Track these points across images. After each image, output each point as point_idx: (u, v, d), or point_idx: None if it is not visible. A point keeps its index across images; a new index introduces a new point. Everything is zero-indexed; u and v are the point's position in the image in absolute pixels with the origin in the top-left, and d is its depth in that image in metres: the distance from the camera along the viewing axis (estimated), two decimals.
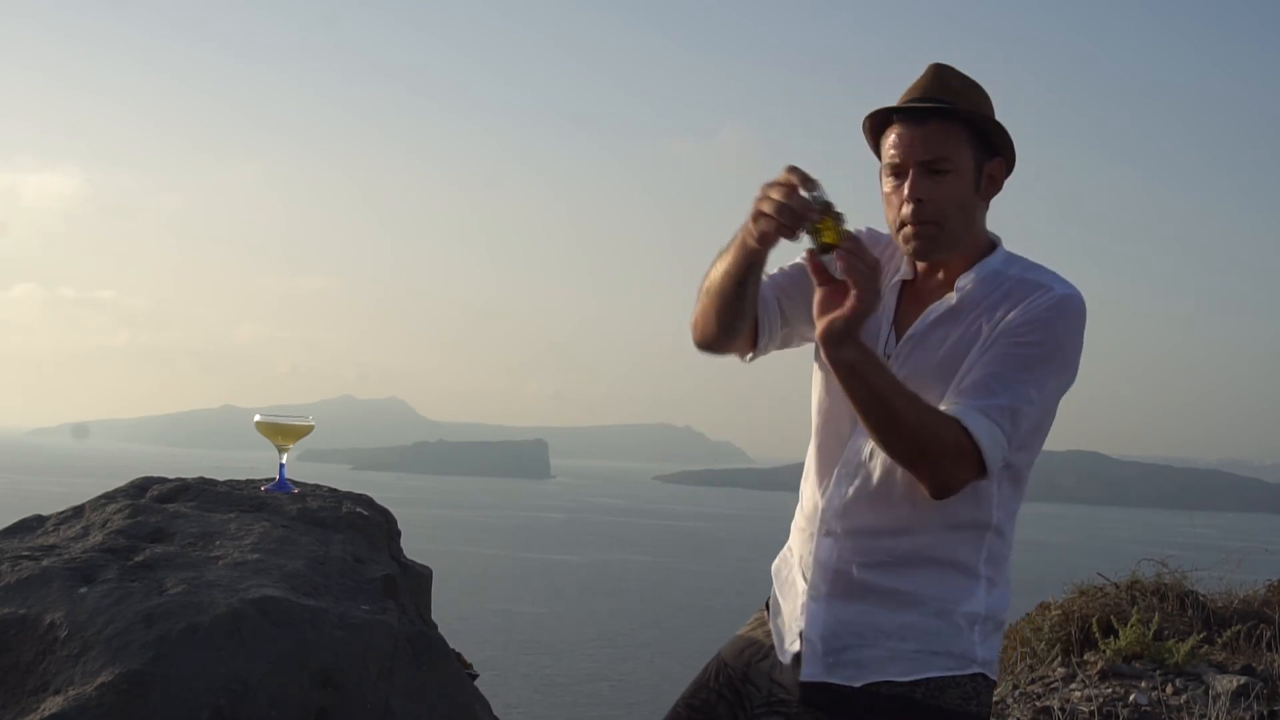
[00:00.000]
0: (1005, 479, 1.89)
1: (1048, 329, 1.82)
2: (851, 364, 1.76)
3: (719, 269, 1.90)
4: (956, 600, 1.88)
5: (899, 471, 1.87)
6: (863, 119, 1.95)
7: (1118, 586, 5.28)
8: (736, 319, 1.93)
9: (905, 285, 1.99)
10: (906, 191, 1.87)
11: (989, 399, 1.79)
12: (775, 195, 1.71)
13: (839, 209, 1.73)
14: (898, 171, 1.89)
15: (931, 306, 1.92)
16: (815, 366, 2.03)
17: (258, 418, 2.50)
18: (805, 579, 1.97)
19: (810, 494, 2.01)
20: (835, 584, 1.93)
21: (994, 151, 1.90)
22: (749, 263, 1.83)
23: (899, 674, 1.86)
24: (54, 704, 1.77)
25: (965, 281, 1.90)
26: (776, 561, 2.13)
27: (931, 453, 1.77)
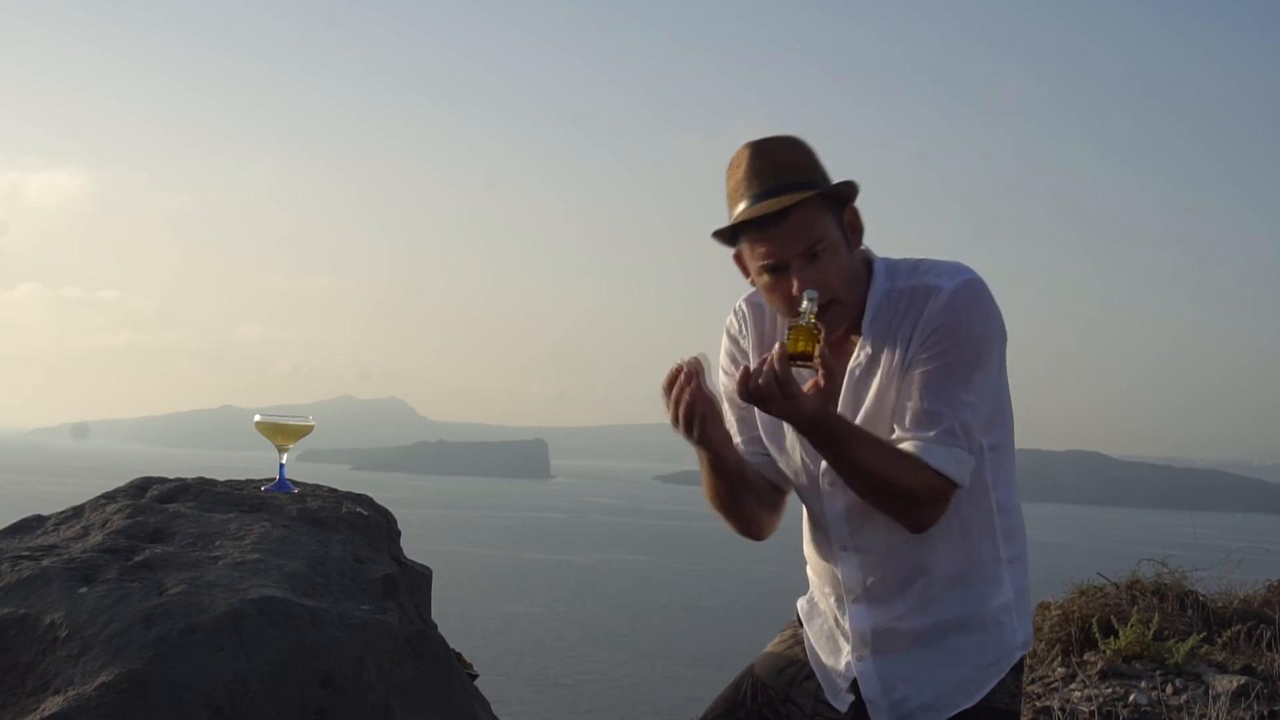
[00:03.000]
0: (989, 458, 1.89)
1: (956, 332, 1.81)
2: (818, 447, 1.81)
3: (707, 485, 1.95)
4: (988, 602, 1.91)
5: (896, 526, 1.87)
6: (711, 237, 1.90)
7: (1118, 586, 5.28)
8: (764, 505, 1.99)
9: None
10: (795, 287, 1.81)
11: (936, 426, 1.79)
12: (675, 407, 1.79)
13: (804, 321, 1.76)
14: (775, 268, 1.84)
15: (850, 365, 1.91)
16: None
17: (258, 418, 2.50)
18: (846, 640, 1.99)
19: (818, 564, 2.03)
20: (877, 643, 1.94)
21: (843, 200, 1.86)
22: (718, 465, 1.89)
23: (964, 702, 1.90)
24: (54, 704, 1.77)
25: (867, 321, 1.88)
26: (805, 605, 2.13)
27: (905, 498, 1.80)
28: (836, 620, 2.01)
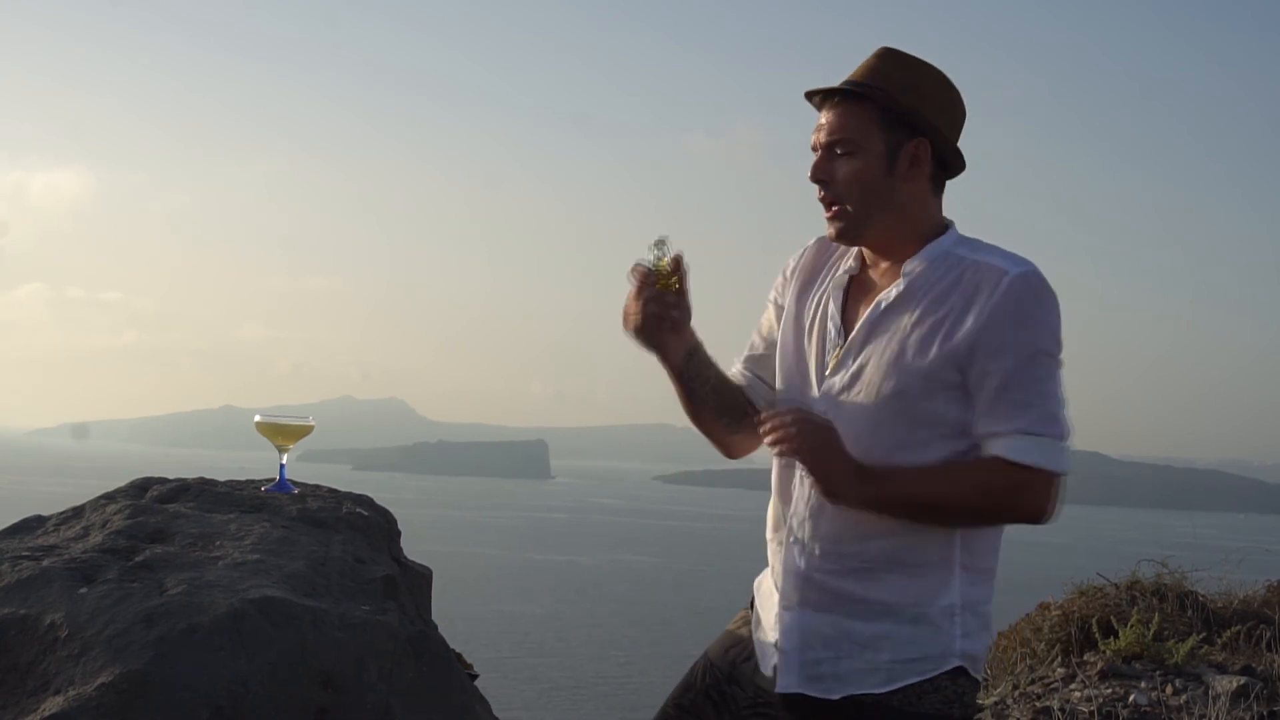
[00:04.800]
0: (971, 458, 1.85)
1: (1025, 320, 1.77)
2: (870, 502, 1.79)
3: (679, 399, 1.99)
4: (931, 599, 1.84)
5: None
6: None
7: (1118, 587, 5.28)
8: (727, 419, 2.02)
9: (853, 280, 1.96)
10: (810, 173, 1.89)
11: (1020, 416, 1.75)
12: (632, 308, 1.87)
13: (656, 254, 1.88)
14: (814, 152, 1.90)
15: (881, 295, 1.88)
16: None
17: (258, 418, 2.51)
18: (778, 588, 1.95)
19: (776, 504, 1.99)
20: (805, 593, 1.89)
21: (915, 131, 1.85)
22: (677, 372, 1.95)
23: (875, 686, 1.83)
24: (54, 704, 1.77)
25: (913, 265, 1.86)
26: (758, 579, 2.09)
27: (989, 511, 1.80)
28: (773, 569, 1.97)
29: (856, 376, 1.86)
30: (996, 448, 1.76)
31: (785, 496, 1.96)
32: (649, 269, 1.88)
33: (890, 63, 1.87)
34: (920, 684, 1.83)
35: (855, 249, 1.97)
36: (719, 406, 2.02)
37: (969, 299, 1.78)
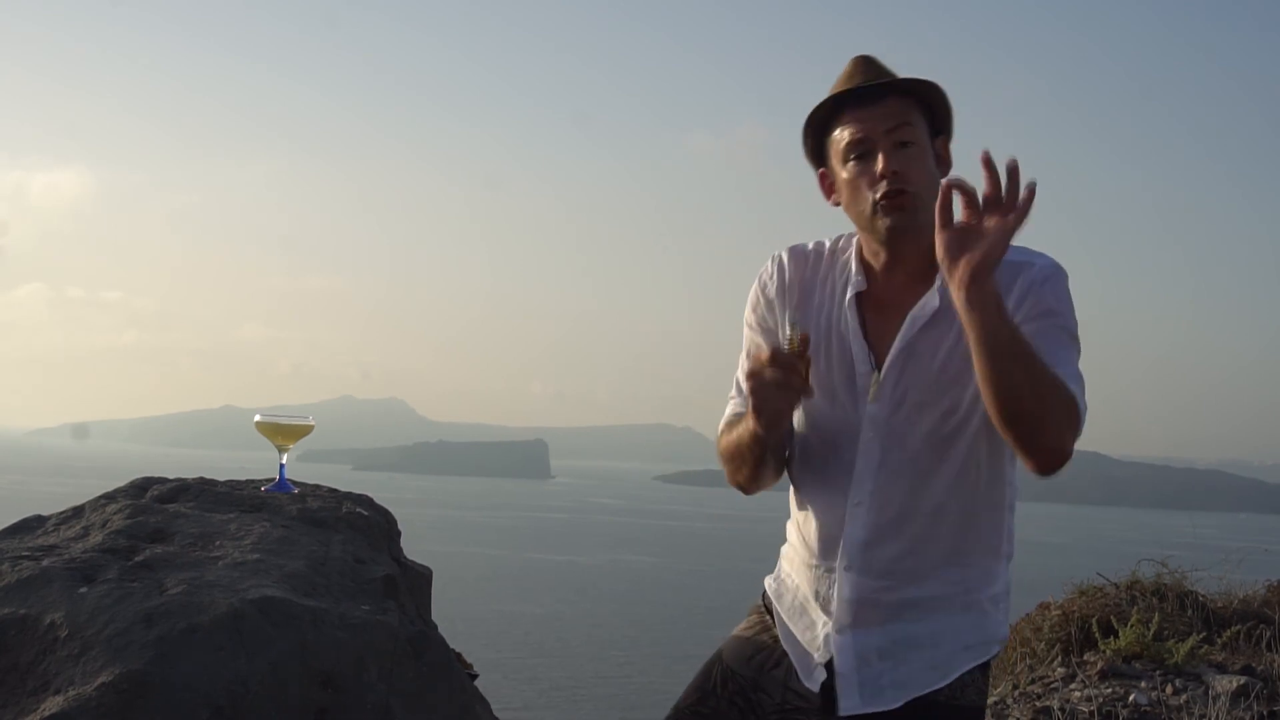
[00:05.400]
0: (1010, 456, 1.84)
1: (1059, 303, 1.77)
2: (989, 303, 1.64)
3: (734, 439, 1.89)
4: (980, 587, 1.87)
5: (919, 490, 1.83)
6: (804, 125, 1.88)
7: (1118, 586, 5.28)
8: (775, 463, 1.94)
9: (862, 297, 1.89)
10: (880, 167, 1.78)
11: (1063, 368, 1.69)
12: (770, 388, 1.71)
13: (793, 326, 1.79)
14: (863, 153, 1.81)
15: (913, 312, 1.83)
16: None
17: (258, 418, 2.51)
18: (825, 613, 1.91)
19: (820, 529, 1.92)
20: (860, 614, 1.87)
21: (939, 129, 1.86)
22: (766, 442, 1.83)
23: (936, 681, 1.85)
24: (54, 704, 1.77)
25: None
26: (773, 584, 2.05)
27: (1052, 413, 1.65)
28: (816, 593, 1.93)
29: (901, 402, 1.83)
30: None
31: (834, 521, 1.90)
32: (778, 345, 1.78)
33: (885, 66, 1.86)
34: (966, 675, 1.86)
35: (843, 259, 1.92)
36: (777, 466, 1.96)
37: (1006, 293, 1.73)
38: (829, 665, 1.90)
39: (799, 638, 1.96)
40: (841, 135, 1.84)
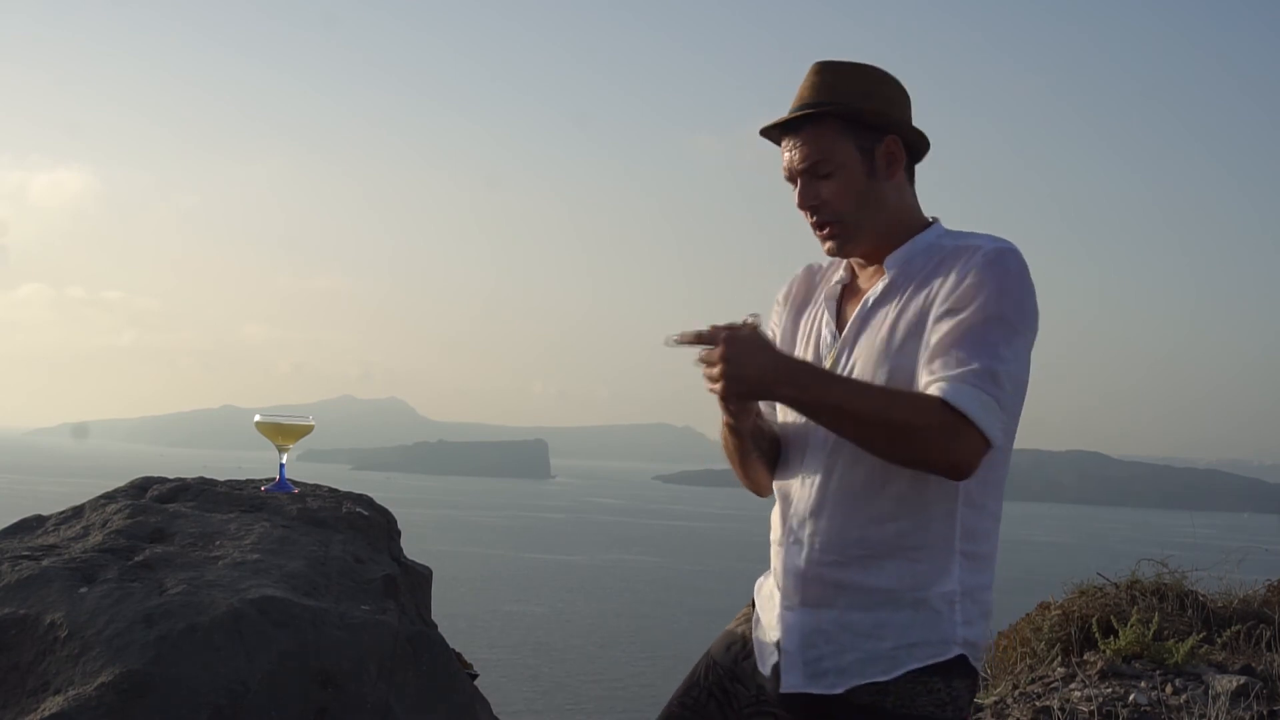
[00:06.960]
0: None
1: (990, 286, 1.77)
2: (790, 400, 1.77)
3: (723, 437, 1.97)
4: (930, 584, 1.83)
5: (863, 465, 1.84)
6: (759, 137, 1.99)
7: (1118, 586, 5.28)
8: (770, 462, 2.00)
9: (844, 289, 2.01)
10: (797, 200, 1.93)
11: (963, 367, 1.73)
12: (714, 381, 1.77)
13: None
14: (791, 183, 1.94)
15: (869, 292, 1.92)
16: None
17: (258, 418, 2.51)
18: (779, 589, 1.95)
19: (779, 508, 2.00)
20: (806, 591, 1.89)
21: (883, 130, 1.90)
22: (740, 431, 1.92)
23: (878, 674, 1.82)
24: (54, 704, 1.77)
25: (896, 258, 1.90)
26: (761, 577, 2.10)
27: (916, 441, 1.71)
28: (776, 571, 1.97)
29: (850, 372, 1.88)
30: (936, 390, 1.74)
31: (787, 499, 1.96)
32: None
33: (831, 74, 1.91)
34: (918, 679, 1.82)
35: (844, 262, 2.02)
36: (768, 460, 2.02)
37: (947, 275, 1.82)
38: (780, 646, 1.92)
39: (763, 621, 2.01)
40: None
